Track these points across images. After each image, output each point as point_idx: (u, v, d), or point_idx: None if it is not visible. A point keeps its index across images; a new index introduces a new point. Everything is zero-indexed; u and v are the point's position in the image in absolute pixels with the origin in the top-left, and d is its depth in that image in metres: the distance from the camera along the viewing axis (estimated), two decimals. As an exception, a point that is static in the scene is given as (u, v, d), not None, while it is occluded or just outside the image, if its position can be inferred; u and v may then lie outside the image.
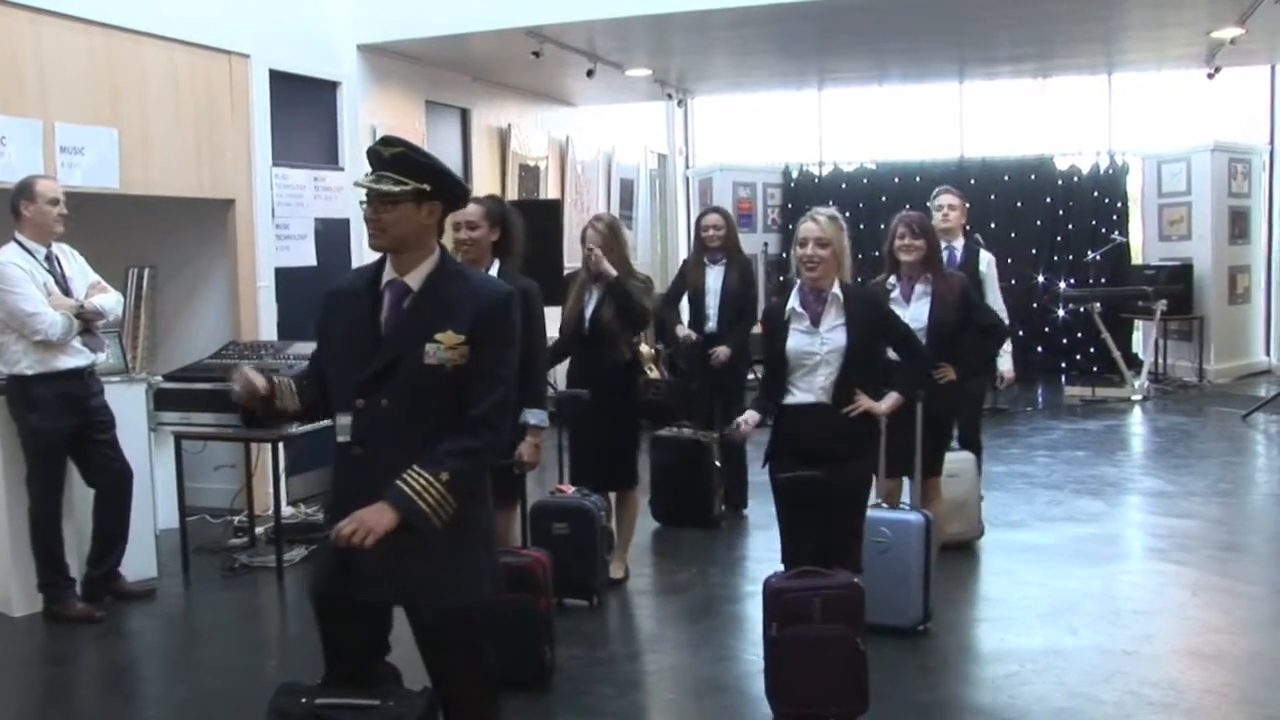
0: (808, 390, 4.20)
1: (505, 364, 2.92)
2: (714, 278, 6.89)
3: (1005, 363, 6.33)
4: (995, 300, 6.14)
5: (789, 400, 4.24)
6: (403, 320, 2.90)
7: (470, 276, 3.03)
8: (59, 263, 5.32)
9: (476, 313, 2.86)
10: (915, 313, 5.17)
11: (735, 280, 6.83)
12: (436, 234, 2.96)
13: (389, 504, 2.79)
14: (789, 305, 4.25)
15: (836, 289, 4.21)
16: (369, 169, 2.90)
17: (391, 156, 2.86)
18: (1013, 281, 12.33)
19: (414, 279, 2.91)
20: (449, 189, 2.95)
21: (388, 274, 2.93)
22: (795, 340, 4.21)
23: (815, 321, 4.19)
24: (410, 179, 2.85)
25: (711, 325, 6.88)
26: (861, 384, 4.22)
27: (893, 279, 5.28)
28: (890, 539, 4.84)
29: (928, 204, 6.36)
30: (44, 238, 5.23)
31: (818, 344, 4.18)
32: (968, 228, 6.55)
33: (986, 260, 6.35)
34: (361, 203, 2.92)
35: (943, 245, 6.07)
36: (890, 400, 4.32)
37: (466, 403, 2.86)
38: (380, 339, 2.90)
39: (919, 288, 5.23)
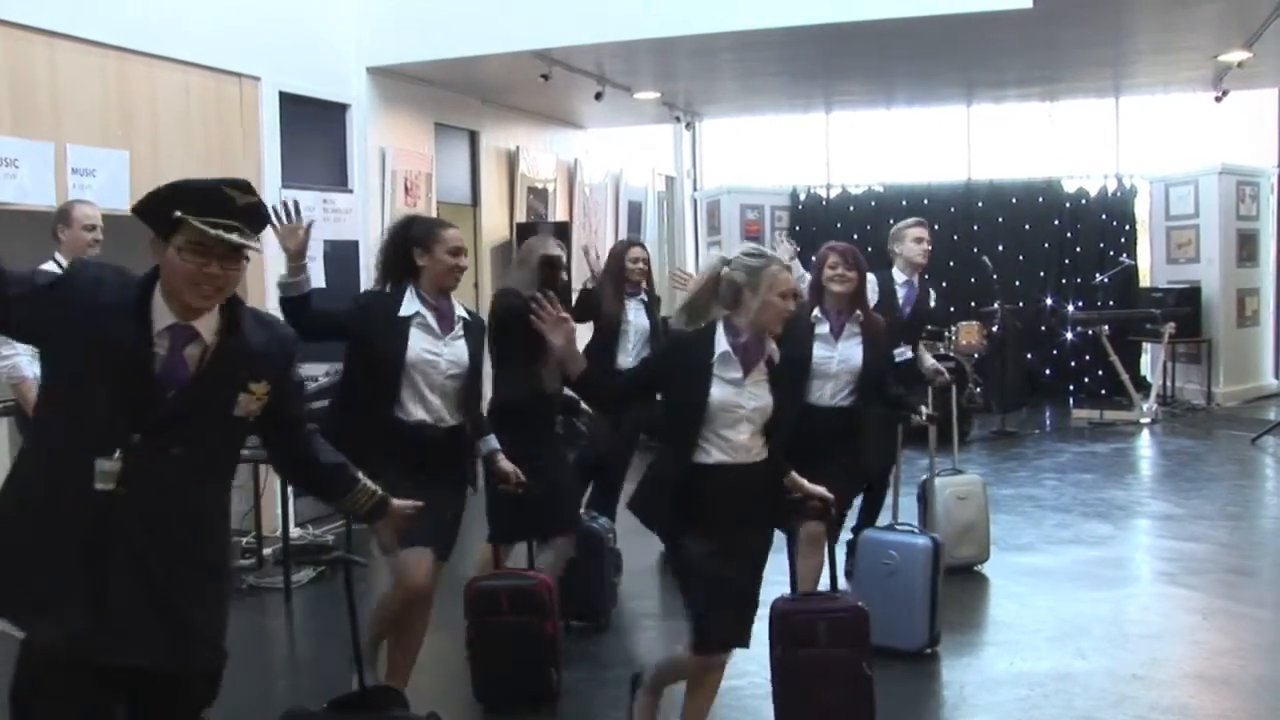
0: (729, 450, 3.57)
1: None
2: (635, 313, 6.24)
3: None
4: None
5: (704, 459, 3.57)
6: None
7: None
8: None
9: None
10: (845, 353, 4.82)
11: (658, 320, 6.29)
12: None
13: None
14: (720, 350, 3.56)
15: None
16: (195, 210, 2.44)
17: (246, 205, 2.51)
18: (1021, 304, 12.37)
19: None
20: None
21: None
22: (720, 391, 3.54)
23: (747, 372, 3.59)
24: (256, 234, 2.54)
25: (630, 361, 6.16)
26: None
27: (817, 312, 4.84)
28: (897, 562, 4.84)
29: (903, 230, 6.11)
30: None
31: (745, 397, 3.58)
32: None
33: (933, 297, 6.29)
34: (184, 250, 2.44)
35: (908, 279, 6.04)
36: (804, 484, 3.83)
37: None
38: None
39: (849, 326, 4.84)
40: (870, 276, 5.60)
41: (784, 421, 3.68)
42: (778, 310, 3.59)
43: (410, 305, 4.01)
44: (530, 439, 4.79)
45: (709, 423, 3.53)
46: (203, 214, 2.44)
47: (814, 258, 5.04)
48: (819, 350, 4.81)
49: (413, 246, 4.07)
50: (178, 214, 2.44)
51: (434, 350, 4.00)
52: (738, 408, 3.54)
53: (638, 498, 3.76)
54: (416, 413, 3.98)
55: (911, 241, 6.06)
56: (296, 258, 3.94)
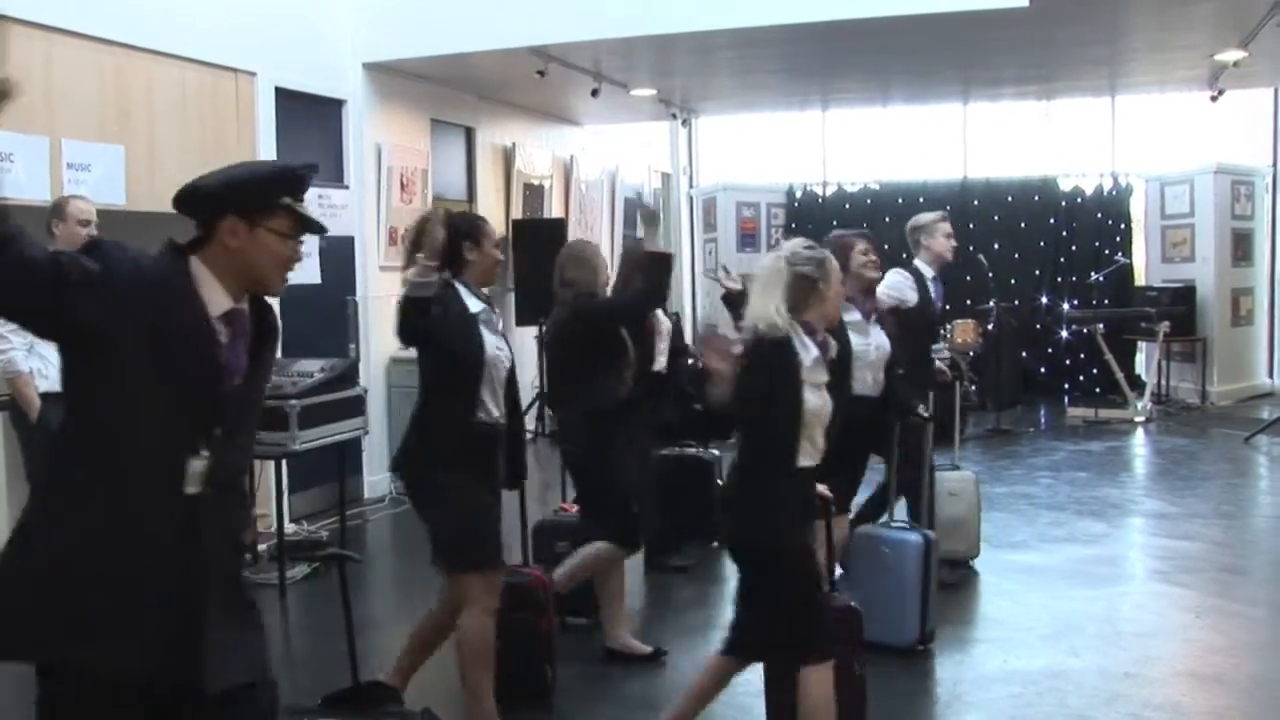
0: (815, 455, 3.55)
1: None
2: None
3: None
4: None
5: (805, 463, 3.52)
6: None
7: None
8: None
9: None
10: (879, 339, 4.87)
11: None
12: None
13: None
14: (813, 356, 3.48)
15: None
16: (294, 196, 2.43)
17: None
18: (1016, 302, 12.38)
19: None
20: None
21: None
22: (813, 397, 3.48)
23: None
24: None
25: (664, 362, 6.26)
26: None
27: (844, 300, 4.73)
28: (890, 558, 4.85)
29: (934, 225, 5.94)
30: None
31: (825, 400, 3.55)
32: None
33: None
34: (286, 235, 2.40)
35: (936, 275, 5.91)
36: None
37: None
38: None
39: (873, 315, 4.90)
40: (902, 272, 5.72)
41: (836, 423, 3.62)
42: (841, 299, 3.67)
43: (474, 302, 3.88)
44: (601, 442, 4.78)
45: (805, 430, 3.44)
46: (298, 199, 2.42)
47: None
48: (856, 340, 4.75)
49: (463, 240, 3.90)
50: (286, 200, 2.39)
51: (500, 347, 3.92)
52: (823, 410, 3.48)
53: (748, 516, 3.56)
54: (493, 412, 3.86)
55: (943, 237, 5.89)
56: (430, 257, 3.67)
